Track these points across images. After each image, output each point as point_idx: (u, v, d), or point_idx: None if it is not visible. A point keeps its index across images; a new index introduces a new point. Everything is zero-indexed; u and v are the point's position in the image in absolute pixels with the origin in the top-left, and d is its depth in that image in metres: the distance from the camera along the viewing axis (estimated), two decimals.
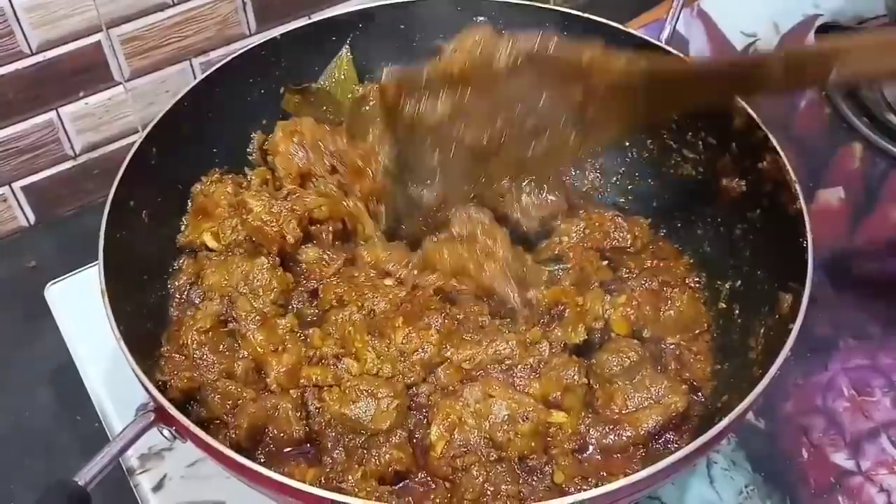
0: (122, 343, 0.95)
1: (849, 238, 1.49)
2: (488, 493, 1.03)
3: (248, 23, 1.68)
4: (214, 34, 1.67)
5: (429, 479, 1.06)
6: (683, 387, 1.13)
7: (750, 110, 1.19)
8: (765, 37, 1.80)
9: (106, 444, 0.90)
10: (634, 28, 1.36)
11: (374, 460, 1.04)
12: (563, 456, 1.07)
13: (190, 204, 1.28)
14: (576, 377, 1.11)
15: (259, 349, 1.13)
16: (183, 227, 1.26)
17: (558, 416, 1.09)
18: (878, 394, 1.30)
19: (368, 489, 1.02)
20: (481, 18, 1.37)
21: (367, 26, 1.38)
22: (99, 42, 1.56)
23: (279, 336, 1.15)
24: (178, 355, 1.10)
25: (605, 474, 1.07)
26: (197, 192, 1.28)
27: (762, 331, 1.11)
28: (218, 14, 1.64)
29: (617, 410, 1.12)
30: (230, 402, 1.08)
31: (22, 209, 1.68)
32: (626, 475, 1.02)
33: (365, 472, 1.03)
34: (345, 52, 1.41)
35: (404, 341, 1.12)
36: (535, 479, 1.07)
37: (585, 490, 1.04)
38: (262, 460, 1.08)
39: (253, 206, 1.21)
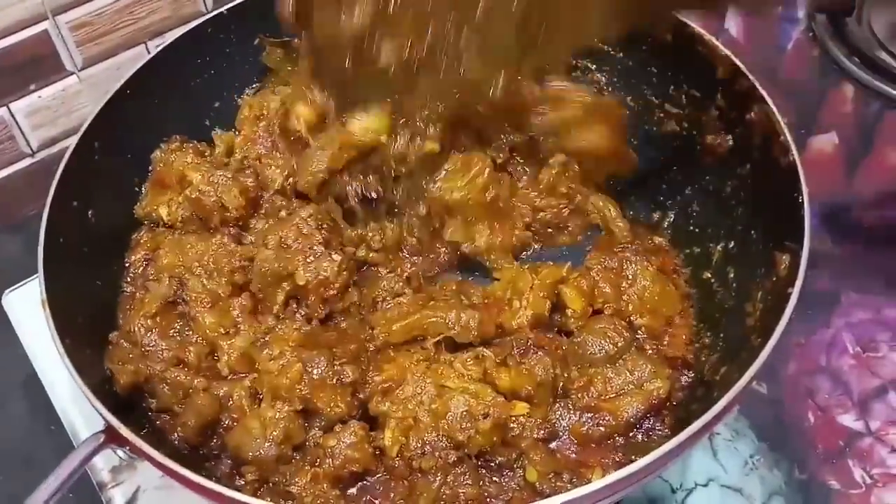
0: (66, 359, 0.89)
1: (846, 185, 1.43)
2: (445, 495, 0.97)
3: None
4: (169, 14, 1.60)
5: (389, 477, 1.00)
6: (667, 370, 1.07)
7: (734, 58, 1.12)
8: None
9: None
10: None
11: (328, 461, 0.97)
12: (533, 449, 1.00)
13: (150, 174, 1.21)
14: (552, 371, 1.04)
15: (210, 332, 1.07)
16: (141, 198, 1.20)
17: (521, 408, 1.02)
18: (885, 349, 1.25)
19: (317, 493, 0.95)
20: None
21: None
22: (46, 31, 1.49)
23: (231, 318, 1.08)
24: (125, 342, 1.04)
25: (580, 468, 1.00)
26: (157, 159, 1.21)
27: (759, 294, 1.04)
28: None
29: (596, 396, 1.05)
30: (181, 392, 1.03)
31: None
32: (602, 466, 0.97)
33: (316, 473, 0.96)
34: None
35: None
36: (506, 477, 1.00)
37: (560, 486, 0.97)
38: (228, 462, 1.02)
39: (192, 178, 1.15)
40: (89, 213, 1.11)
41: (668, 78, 1.23)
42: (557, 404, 1.05)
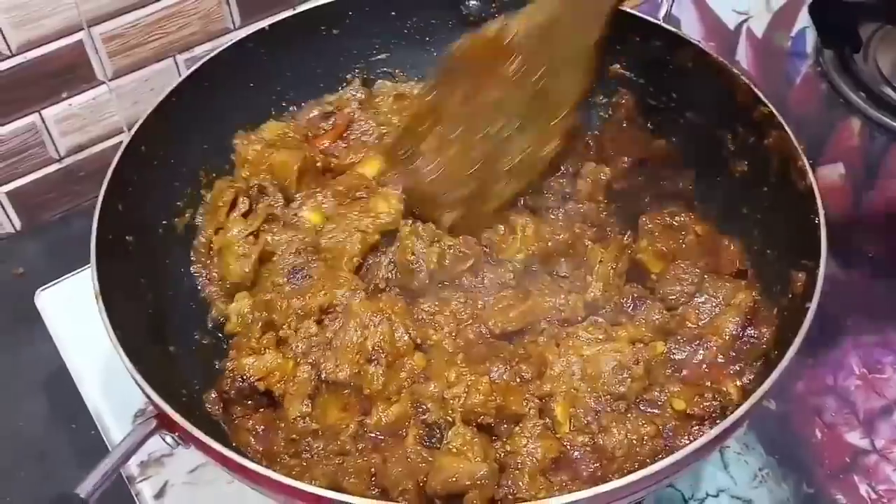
0: (119, 349, 0.91)
1: (852, 214, 1.47)
2: (634, 442, 1.02)
3: (231, 17, 1.65)
4: (198, 29, 1.64)
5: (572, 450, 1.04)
6: (743, 282, 1.15)
7: (753, 87, 1.16)
8: (757, 14, 1.78)
9: (106, 453, 0.87)
10: (629, 7, 1.33)
11: (529, 460, 1.01)
12: (669, 383, 1.08)
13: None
14: (665, 314, 1.14)
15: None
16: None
17: (661, 346, 1.11)
18: (890, 370, 1.29)
19: (540, 486, 0.99)
20: (473, 2, 1.34)
21: (357, 14, 1.34)
22: (80, 41, 1.53)
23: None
24: (288, 449, 1.07)
25: (715, 385, 1.07)
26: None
27: (775, 311, 1.09)
28: (201, 9, 1.61)
29: (693, 326, 1.13)
30: (365, 474, 1.04)
31: (7, 215, 1.65)
32: (732, 379, 1.07)
33: (532, 472, 1.00)
34: None
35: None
36: (657, 411, 1.06)
37: (708, 406, 1.04)
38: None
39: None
40: (134, 213, 1.14)
41: (688, 103, 1.28)
42: (669, 343, 1.12)
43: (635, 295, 1.17)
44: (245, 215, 1.24)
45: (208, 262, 1.24)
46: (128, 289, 1.06)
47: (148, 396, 0.89)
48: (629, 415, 1.05)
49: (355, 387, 1.09)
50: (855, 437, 1.22)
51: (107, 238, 1.04)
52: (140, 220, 1.15)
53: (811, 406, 1.25)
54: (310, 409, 1.09)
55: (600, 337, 1.10)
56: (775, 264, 1.12)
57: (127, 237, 1.11)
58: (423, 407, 1.06)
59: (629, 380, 1.06)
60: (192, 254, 1.24)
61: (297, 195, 1.27)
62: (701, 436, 0.91)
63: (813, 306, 0.98)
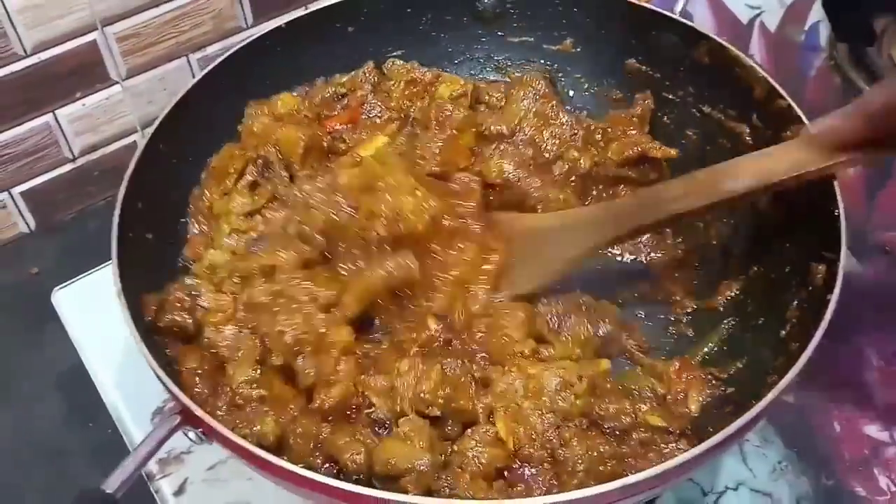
0: (142, 346, 0.91)
1: (866, 208, 1.47)
2: (592, 457, 0.99)
3: (244, 16, 1.66)
4: (211, 29, 1.65)
5: (527, 466, 1.01)
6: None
7: (771, 80, 1.16)
8: (770, 8, 1.78)
9: (126, 451, 0.88)
10: (644, 2, 1.33)
11: (473, 462, 0.99)
12: (641, 402, 1.06)
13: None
14: (589, 329, 1.12)
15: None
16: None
17: (605, 363, 1.08)
18: None
19: (481, 490, 0.97)
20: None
21: (371, 11, 1.34)
22: (94, 41, 1.54)
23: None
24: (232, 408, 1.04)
25: (684, 391, 1.08)
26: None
27: (794, 304, 1.08)
28: (214, 8, 1.63)
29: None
30: (312, 439, 1.02)
31: (22, 215, 1.66)
32: (695, 389, 1.07)
33: (474, 473, 0.98)
34: None
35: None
36: (631, 440, 1.03)
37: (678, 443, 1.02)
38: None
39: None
40: (153, 211, 1.14)
41: (705, 97, 1.28)
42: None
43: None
44: (251, 188, 1.24)
45: (202, 221, 1.23)
46: (148, 287, 1.06)
47: (171, 392, 0.89)
48: (589, 432, 1.03)
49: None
50: (874, 430, 1.22)
51: (127, 236, 1.04)
52: (159, 218, 1.15)
53: (829, 399, 1.25)
54: (257, 375, 1.05)
55: (534, 345, 1.09)
56: (794, 257, 1.12)
57: (147, 235, 1.11)
58: (369, 401, 1.04)
59: (572, 396, 1.03)
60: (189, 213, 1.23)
61: (299, 174, 1.26)
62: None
63: (834, 297, 0.98)
